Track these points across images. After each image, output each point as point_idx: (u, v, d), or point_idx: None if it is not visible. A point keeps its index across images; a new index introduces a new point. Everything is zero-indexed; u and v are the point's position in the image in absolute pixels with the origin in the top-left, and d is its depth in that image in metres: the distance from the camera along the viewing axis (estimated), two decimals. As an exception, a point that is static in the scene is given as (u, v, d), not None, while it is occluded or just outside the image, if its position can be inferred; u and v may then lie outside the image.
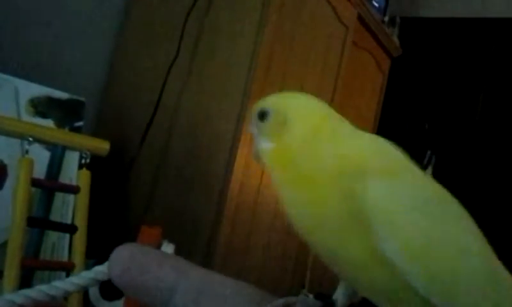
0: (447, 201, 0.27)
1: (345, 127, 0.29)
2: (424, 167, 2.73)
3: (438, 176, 2.54)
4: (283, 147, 0.27)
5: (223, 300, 0.22)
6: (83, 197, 0.97)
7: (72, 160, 1.18)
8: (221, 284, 0.23)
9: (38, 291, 0.44)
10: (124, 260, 0.23)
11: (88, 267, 0.91)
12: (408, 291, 0.24)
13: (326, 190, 0.25)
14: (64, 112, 1.33)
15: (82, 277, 0.44)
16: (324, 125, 0.28)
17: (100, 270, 0.46)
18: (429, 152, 2.74)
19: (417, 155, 2.87)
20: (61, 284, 0.45)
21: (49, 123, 1.28)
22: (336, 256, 0.26)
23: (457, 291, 0.24)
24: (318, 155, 0.26)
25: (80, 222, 0.95)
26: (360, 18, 1.91)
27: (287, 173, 0.27)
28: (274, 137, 0.28)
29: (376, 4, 2.11)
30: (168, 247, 0.66)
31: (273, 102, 0.30)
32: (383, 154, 0.28)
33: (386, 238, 0.24)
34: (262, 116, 0.30)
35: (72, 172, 1.17)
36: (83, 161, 1.00)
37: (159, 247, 0.64)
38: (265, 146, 0.29)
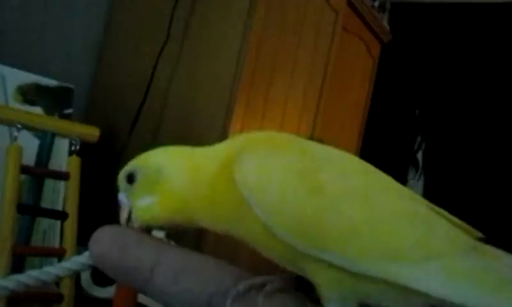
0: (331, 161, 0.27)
1: (210, 148, 0.31)
2: (414, 153, 2.75)
3: (428, 162, 2.55)
4: (171, 192, 0.29)
5: (201, 276, 0.23)
6: (73, 184, 0.96)
7: (61, 147, 1.17)
8: (199, 262, 0.24)
9: (29, 276, 0.44)
10: (104, 241, 0.23)
11: (79, 253, 0.91)
12: (290, 249, 0.25)
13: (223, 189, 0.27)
14: (53, 100, 1.32)
15: (73, 262, 0.44)
16: (193, 157, 0.30)
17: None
18: (419, 138, 2.76)
19: (407, 141, 2.90)
20: (52, 269, 0.45)
21: (38, 110, 1.27)
22: (251, 241, 0.27)
23: (323, 235, 0.24)
24: (206, 173, 0.28)
25: (71, 208, 0.95)
26: (350, 3, 1.91)
27: (186, 206, 0.28)
28: (152, 191, 0.29)
29: (366, -11, 2.10)
30: (159, 232, 0.66)
31: (136, 162, 0.31)
32: (248, 142, 0.29)
33: (250, 200, 0.25)
34: (131, 178, 0.30)
35: (62, 160, 1.17)
36: (73, 148, 0.99)
37: (150, 232, 0.64)
38: (147, 201, 0.29)
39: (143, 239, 0.24)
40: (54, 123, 1.02)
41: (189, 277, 0.23)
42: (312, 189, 0.25)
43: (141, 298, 0.80)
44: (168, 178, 0.29)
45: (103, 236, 0.24)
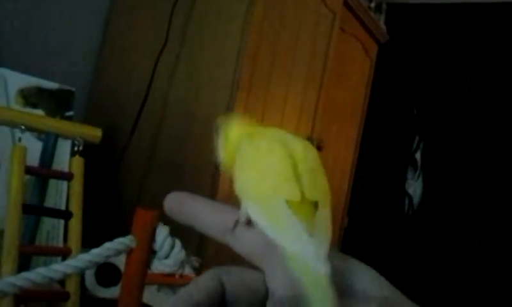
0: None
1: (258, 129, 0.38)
2: (412, 153, 2.77)
3: (427, 161, 2.58)
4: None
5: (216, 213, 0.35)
6: (77, 184, 0.98)
7: (64, 150, 1.19)
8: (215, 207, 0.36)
9: (37, 273, 0.46)
10: (172, 200, 0.36)
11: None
12: None
13: None
14: (55, 102, 1.34)
15: (79, 260, 0.46)
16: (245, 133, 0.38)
17: (97, 253, 0.48)
18: (417, 137, 2.78)
19: (406, 141, 2.92)
20: (60, 267, 0.47)
21: (40, 113, 1.29)
22: None
23: None
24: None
25: (75, 208, 0.96)
26: (347, 4, 1.93)
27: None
28: None
29: (363, -10, 2.12)
30: (163, 229, 0.68)
31: None
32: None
33: None
34: None
35: (65, 162, 1.19)
36: (76, 148, 1.01)
37: (154, 229, 0.66)
38: None
39: (194, 198, 0.36)
40: (57, 124, 1.04)
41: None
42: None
43: (145, 298, 0.82)
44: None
45: (171, 197, 0.36)
